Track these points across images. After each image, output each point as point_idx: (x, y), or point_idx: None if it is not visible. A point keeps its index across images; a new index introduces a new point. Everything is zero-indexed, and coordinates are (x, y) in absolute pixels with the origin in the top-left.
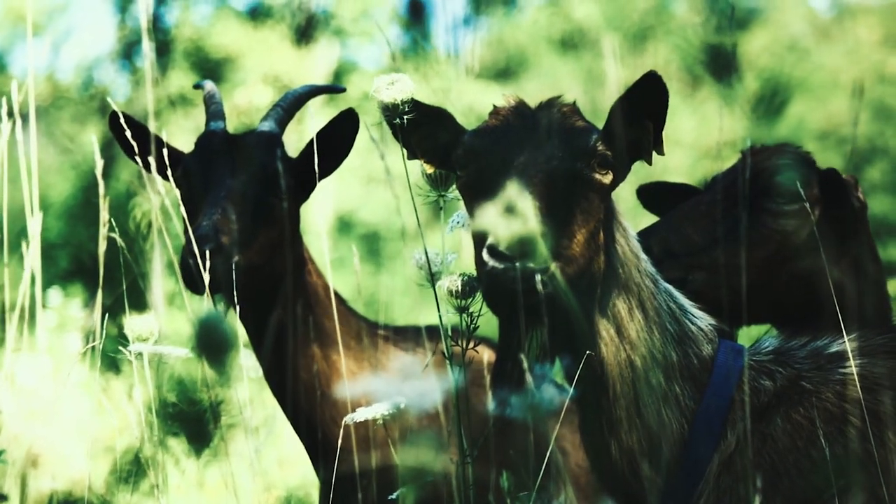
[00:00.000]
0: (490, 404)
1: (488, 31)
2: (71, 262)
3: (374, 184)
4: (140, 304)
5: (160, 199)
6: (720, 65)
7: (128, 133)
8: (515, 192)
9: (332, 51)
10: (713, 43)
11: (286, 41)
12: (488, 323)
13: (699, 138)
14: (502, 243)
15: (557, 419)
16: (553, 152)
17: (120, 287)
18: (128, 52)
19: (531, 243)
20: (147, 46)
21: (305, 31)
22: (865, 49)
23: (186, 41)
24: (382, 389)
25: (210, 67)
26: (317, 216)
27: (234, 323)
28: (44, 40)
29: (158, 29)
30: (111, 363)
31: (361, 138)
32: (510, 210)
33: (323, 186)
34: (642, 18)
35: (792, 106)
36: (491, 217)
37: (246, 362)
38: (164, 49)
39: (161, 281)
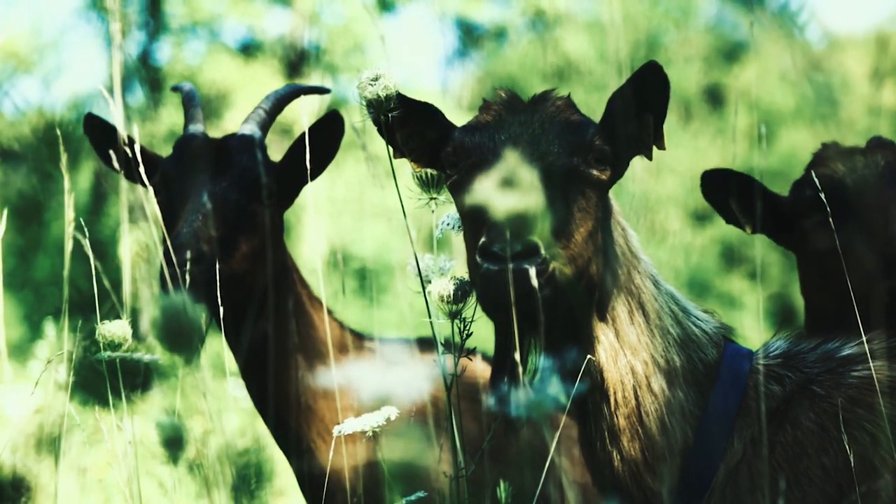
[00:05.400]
0: (490, 401)
1: (479, 65)
2: (62, 299)
3: (367, 218)
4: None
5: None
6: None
7: (116, 110)
8: (509, 191)
9: (324, 86)
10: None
11: (278, 76)
12: (480, 331)
13: (693, 167)
14: (496, 244)
15: (558, 425)
16: (548, 148)
17: (105, 312)
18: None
19: (526, 243)
20: (118, 56)
21: (297, 67)
22: (855, 81)
23: (178, 77)
24: (367, 379)
25: (202, 103)
26: (311, 252)
27: (201, 311)
28: (35, 76)
29: (150, 66)
30: (98, 396)
31: (354, 172)
32: (504, 209)
33: (314, 220)
34: (634, 50)
35: (783, 136)
36: (483, 216)
37: (236, 392)
38: (155, 85)
39: (149, 306)
